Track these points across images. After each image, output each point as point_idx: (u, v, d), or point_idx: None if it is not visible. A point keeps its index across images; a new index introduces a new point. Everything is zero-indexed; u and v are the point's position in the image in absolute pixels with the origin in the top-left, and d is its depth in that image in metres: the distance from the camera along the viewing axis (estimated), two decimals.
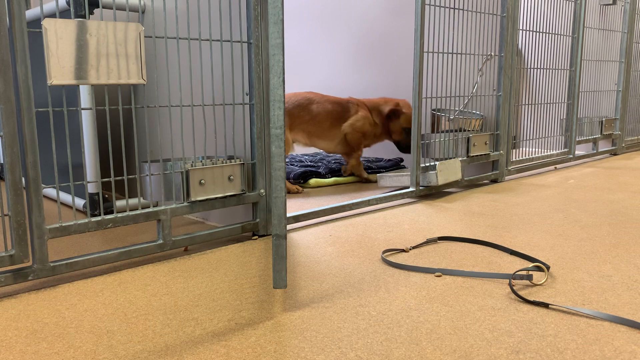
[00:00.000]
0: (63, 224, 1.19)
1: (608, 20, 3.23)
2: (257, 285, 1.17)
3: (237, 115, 1.53)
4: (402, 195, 2.03)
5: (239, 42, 1.47)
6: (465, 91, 2.35)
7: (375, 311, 1.03)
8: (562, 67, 2.84)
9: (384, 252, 1.38)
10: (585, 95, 3.13)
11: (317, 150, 3.29)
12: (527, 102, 2.77)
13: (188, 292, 1.14)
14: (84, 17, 1.58)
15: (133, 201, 1.86)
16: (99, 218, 1.25)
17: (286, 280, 1.09)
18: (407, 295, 1.11)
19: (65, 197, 1.99)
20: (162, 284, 1.19)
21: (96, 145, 1.73)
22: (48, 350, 0.88)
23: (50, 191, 2.11)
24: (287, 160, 2.90)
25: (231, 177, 1.46)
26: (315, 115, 2.43)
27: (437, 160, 2.16)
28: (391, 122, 2.52)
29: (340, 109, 2.48)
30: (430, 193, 2.16)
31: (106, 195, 2.01)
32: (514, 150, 3.01)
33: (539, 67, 2.67)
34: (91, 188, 1.79)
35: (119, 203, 1.80)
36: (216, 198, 1.44)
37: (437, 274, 1.23)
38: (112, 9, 1.87)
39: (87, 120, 1.70)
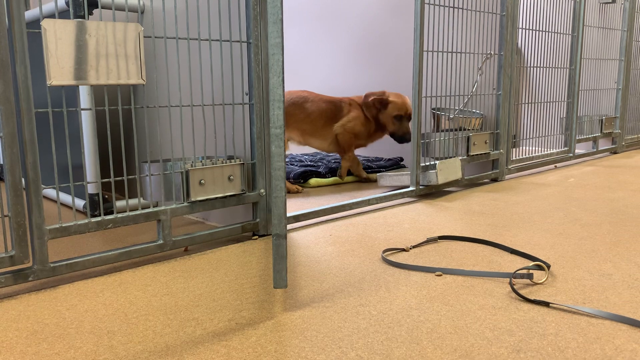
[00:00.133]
0: (63, 225, 1.19)
1: (608, 18, 3.23)
2: (258, 285, 1.17)
3: (237, 115, 1.53)
4: (402, 195, 2.03)
5: (238, 41, 1.47)
6: (465, 90, 2.35)
7: (375, 310, 1.03)
8: (562, 66, 2.84)
9: (384, 251, 1.38)
10: (585, 93, 3.12)
11: (317, 150, 3.28)
12: (527, 101, 2.77)
13: (188, 292, 1.14)
14: (83, 17, 1.58)
15: (133, 201, 1.86)
16: (99, 218, 1.25)
17: (286, 280, 1.09)
18: (407, 294, 1.11)
19: (65, 197, 1.98)
20: (162, 284, 1.19)
21: (96, 146, 1.73)
22: (49, 351, 0.88)
23: (50, 192, 2.11)
24: (287, 160, 2.90)
25: (231, 177, 1.46)
26: (310, 114, 2.43)
27: (437, 159, 2.16)
28: (380, 113, 2.48)
29: (334, 108, 2.47)
30: (431, 192, 2.16)
31: (106, 196, 2.01)
32: (514, 149, 3.01)
33: (538, 65, 2.67)
34: (91, 188, 1.79)
35: (119, 203, 1.80)
36: (216, 198, 1.44)
37: (437, 273, 1.23)
38: (111, 9, 1.87)
39: (86, 121, 1.70)
